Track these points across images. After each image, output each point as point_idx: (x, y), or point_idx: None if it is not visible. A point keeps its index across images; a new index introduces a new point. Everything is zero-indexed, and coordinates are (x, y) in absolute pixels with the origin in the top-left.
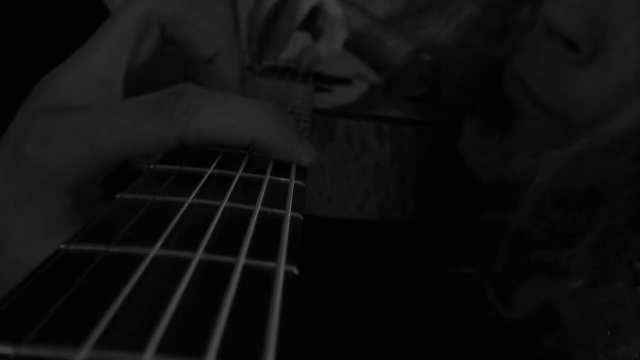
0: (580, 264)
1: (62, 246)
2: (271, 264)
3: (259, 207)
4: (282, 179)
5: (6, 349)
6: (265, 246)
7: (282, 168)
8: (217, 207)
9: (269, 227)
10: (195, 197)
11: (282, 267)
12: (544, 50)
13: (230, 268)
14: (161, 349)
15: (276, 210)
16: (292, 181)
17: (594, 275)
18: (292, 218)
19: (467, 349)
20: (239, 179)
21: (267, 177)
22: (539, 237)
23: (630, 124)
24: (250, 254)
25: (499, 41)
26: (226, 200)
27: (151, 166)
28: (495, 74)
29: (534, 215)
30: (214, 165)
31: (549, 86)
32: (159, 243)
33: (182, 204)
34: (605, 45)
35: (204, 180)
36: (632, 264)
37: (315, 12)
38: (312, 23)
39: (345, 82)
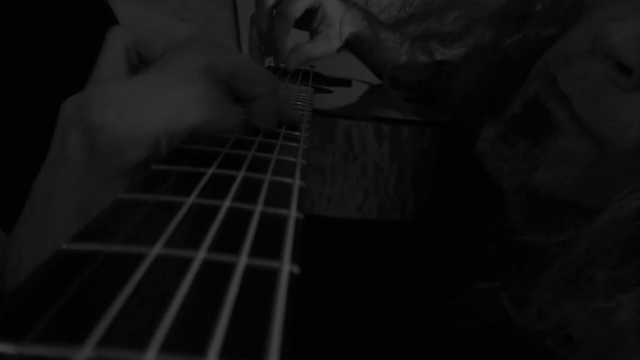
0: (607, 286)
1: (64, 246)
2: (274, 264)
3: (260, 207)
4: (285, 179)
5: (9, 348)
6: (267, 246)
7: (285, 168)
8: (219, 207)
9: (271, 227)
10: (197, 196)
11: (285, 266)
12: (593, 70)
13: (232, 267)
14: (164, 347)
15: (278, 210)
16: (297, 182)
17: (614, 293)
18: (294, 218)
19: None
20: (241, 179)
21: (269, 177)
22: (602, 271)
23: None
24: (253, 254)
25: (514, 33)
26: (228, 200)
27: (152, 166)
28: (509, 75)
29: (593, 255)
30: (216, 165)
31: (594, 107)
32: (161, 242)
33: (184, 203)
34: None
35: (206, 180)
36: None
37: (313, 13)
38: (311, 23)
39: (345, 83)
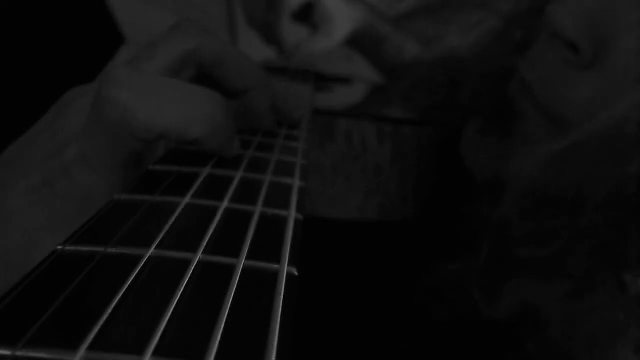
0: (562, 267)
1: (59, 247)
2: (273, 266)
3: (260, 208)
4: (285, 179)
5: (3, 352)
6: (266, 247)
7: (284, 169)
8: (217, 208)
9: (271, 228)
10: (195, 198)
11: (284, 269)
12: (548, 53)
13: (230, 269)
14: (159, 352)
15: (277, 211)
16: (297, 182)
17: (578, 281)
18: (294, 219)
19: (448, 346)
20: (239, 180)
21: (269, 177)
22: (518, 233)
23: (617, 122)
24: (251, 256)
25: (520, 54)
26: (226, 201)
27: (150, 167)
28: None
29: (516, 211)
30: (215, 165)
31: (550, 89)
32: (158, 244)
33: (182, 204)
34: (606, 51)
35: (204, 181)
36: (617, 271)
37: (311, 7)
38: (310, 17)
39: (345, 81)
